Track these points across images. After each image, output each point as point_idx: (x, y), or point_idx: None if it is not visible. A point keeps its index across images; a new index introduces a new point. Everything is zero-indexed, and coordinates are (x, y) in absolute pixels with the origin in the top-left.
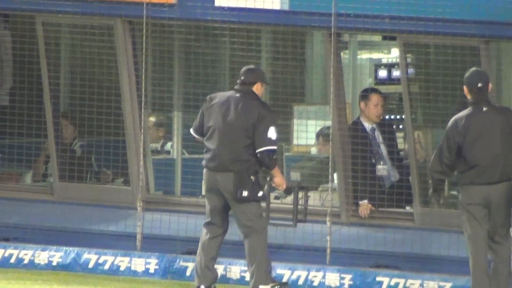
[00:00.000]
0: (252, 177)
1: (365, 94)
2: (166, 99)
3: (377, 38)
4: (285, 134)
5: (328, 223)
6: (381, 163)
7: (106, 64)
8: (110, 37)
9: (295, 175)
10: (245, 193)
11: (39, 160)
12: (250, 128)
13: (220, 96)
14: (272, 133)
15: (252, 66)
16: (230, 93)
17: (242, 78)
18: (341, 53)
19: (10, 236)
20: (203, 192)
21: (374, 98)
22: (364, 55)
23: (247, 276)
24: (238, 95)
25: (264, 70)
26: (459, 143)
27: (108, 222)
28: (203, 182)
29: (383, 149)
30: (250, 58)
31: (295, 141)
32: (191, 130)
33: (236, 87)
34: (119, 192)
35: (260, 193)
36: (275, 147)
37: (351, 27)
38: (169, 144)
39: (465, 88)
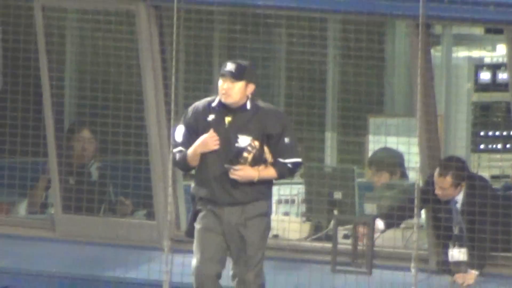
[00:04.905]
0: None
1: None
2: None
3: (478, 31)
4: (358, 155)
5: (413, 270)
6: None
7: (125, 62)
8: (131, 27)
9: (371, 208)
10: None
11: (38, 186)
12: None
13: None
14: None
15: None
16: None
17: None
18: (432, 50)
19: None
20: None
21: (439, 180)
22: (461, 53)
23: None
24: None
25: (331, 71)
26: None
27: (126, 267)
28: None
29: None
30: (312, 55)
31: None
32: None
33: None
34: (140, 227)
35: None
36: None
37: (444, 16)
38: None
39: None
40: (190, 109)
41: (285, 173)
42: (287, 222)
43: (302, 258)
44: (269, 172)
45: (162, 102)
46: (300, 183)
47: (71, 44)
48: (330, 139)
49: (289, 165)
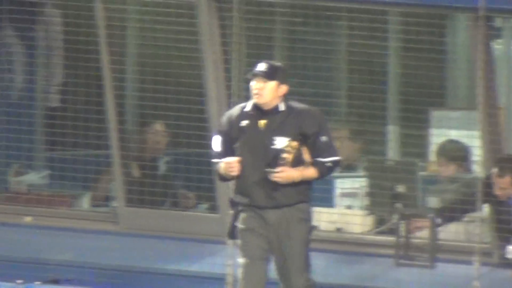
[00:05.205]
0: None
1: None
2: None
3: None
4: (420, 148)
5: (475, 263)
6: None
7: (186, 55)
8: (192, 20)
9: (434, 201)
10: None
11: (102, 179)
12: None
13: None
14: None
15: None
16: None
17: None
18: (493, 43)
19: (61, 277)
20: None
21: (498, 180)
22: None
23: None
24: None
25: (392, 64)
26: None
27: (189, 260)
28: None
29: None
30: (373, 48)
31: (432, 157)
32: None
33: None
34: (203, 220)
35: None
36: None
37: (505, 8)
38: None
39: None
40: (224, 117)
41: (325, 172)
42: (350, 215)
43: (366, 252)
44: (310, 172)
45: (223, 94)
46: (362, 176)
47: (132, 36)
48: (392, 132)
49: (329, 164)
